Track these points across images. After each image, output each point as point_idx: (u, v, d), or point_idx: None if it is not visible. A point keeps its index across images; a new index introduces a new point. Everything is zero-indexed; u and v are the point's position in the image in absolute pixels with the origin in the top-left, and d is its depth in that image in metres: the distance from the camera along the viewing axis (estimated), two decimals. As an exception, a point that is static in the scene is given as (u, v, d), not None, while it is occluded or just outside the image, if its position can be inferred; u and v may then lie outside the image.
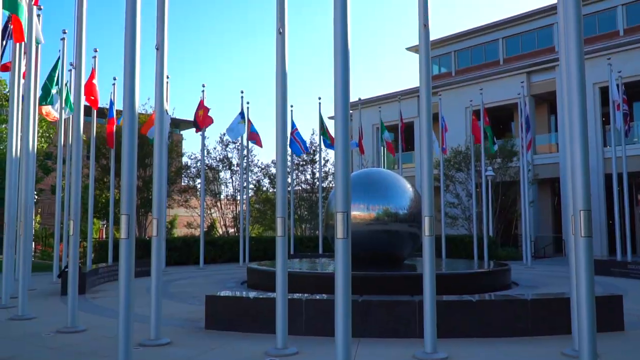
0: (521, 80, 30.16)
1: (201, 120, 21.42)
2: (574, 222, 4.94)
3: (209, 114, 21.49)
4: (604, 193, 28.63)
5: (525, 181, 23.20)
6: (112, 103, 19.27)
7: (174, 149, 34.02)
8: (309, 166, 35.98)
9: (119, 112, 19.30)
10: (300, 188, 36.04)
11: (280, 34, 6.77)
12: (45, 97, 14.86)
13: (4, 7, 10.91)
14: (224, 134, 34.50)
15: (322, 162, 29.75)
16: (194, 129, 23.23)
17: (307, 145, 31.23)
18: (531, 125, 23.04)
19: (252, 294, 9.26)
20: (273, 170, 34.72)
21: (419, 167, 26.68)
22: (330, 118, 33.94)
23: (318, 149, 28.45)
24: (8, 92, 11.94)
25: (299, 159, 34.78)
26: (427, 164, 6.93)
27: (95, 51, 16.75)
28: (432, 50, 27.48)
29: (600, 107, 29.19)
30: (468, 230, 29.80)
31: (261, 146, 24.51)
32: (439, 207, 24.48)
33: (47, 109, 15.14)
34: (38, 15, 12.63)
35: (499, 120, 35.61)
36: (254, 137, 24.02)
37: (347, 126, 5.68)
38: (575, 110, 4.92)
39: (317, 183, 30.14)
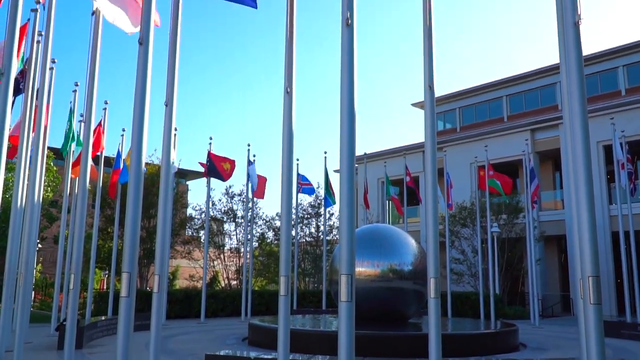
0: (525, 137, 30.38)
1: (226, 173, 21.61)
2: (582, 286, 4.84)
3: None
4: (611, 251, 28.30)
5: (531, 238, 23.01)
6: (119, 154, 19.45)
7: (179, 200, 34.08)
8: (313, 219, 35.87)
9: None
10: (304, 241, 35.82)
11: (288, 93, 6.87)
12: (65, 149, 15.14)
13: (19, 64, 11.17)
14: (230, 186, 34.64)
15: (327, 215, 29.67)
16: (200, 179, 23.35)
17: (312, 198, 31.33)
18: (537, 180, 23.00)
19: (253, 354, 9.04)
20: (278, 223, 34.62)
21: (424, 222, 26.62)
22: (335, 171, 34.07)
23: (323, 202, 28.44)
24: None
25: (304, 212, 34.74)
26: (433, 224, 6.88)
27: (106, 103, 17.05)
28: (437, 107, 27.93)
29: (605, 165, 29.26)
30: (474, 287, 29.34)
31: (262, 197, 24.45)
32: (444, 263, 24.22)
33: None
34: (51, 69, 12.91)
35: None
36: (259, 185, 23.89)
37: (353, 186, 5.68)
38: (581, 170, 4.91)
39: (322, 237, 29.97)
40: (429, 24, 6.90)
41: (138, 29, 7.92)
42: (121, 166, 19.38)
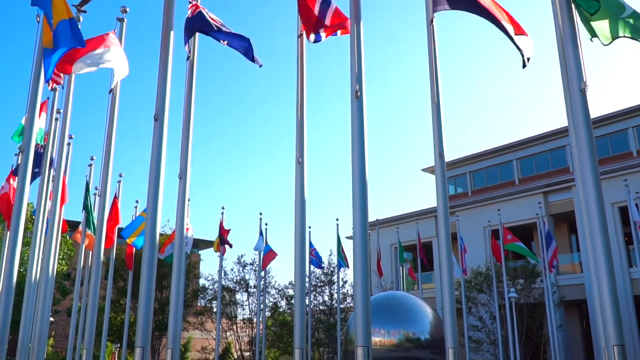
0: (538, 200, 30.25)
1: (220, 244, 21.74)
2: (607, 356, 4.68)
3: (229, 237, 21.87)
4: (634, 316, 27.44)
5: (550, 303, 22.44)
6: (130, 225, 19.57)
7: (192, 270, 33.90)
8: (326, 287, 35.35)
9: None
10: (318, 309, 35.17)
11: (300, 163, 6.98)
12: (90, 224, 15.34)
13: (37, 139, 11.49)
14: (242, 255, 34.50)
15: (340, 282, 29.27)
16: (212, 249, 23.39)
17: (325, 265, 30.98)
18: (554, 243, 22.69)
19: None
20: (290, 291, 34.18)
21: (439, 288, 26.08)
22: (348, 238, 33.92)
23: (336, 270, 28.12)
24: (33, 215, 12.30)
25: (317, 280, 34.31)
26: (449, 292, 6.77)
27: (120, 176, 17.36)
28: (447, 171, 28.05)
29: (622, 227, 28.86)
30: (494, 355, 28.37)
31: (265, 267, 24.39)
32: (462, 330, 23.57)
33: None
34: (68, 144, 13.27)
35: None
36: (270, 256, 23.89)
37: (367, 254, 5.65)
38: (597, 233, 4.86)
39: (336, 305, 29.44)
40: (437, 94, 7.07)
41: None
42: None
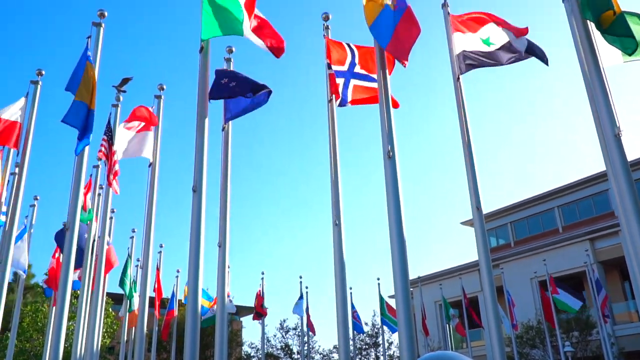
0: (585, 247, 29.28)
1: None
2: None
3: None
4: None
5: (610, 356, 21.27)
6: (173, 295, 19.70)
7: (234, 338, 33.59)
8: (372, 350, 34.43)
9: (179, 303, 19.59)
10: (364, 374, 34.16)
11: (337, 225, 6.99)
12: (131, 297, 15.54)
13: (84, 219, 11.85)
14: (284, 320, 34.10)
15: (386, 344, 28.46)
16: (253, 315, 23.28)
17: (369, 326, 30.31)
18: (604, 291, 21.73)
19: None
20: (335, 356, 33.38)
21: (489, 345, 25.11)
22: (390, 297, 33.27)
23: (380, 331, 27.45)
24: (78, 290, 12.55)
25: (362, 343, 33.48)
26: (499, 347, 6.53)
27: (161, 247, 17.64)
28: (487, 223, 27.49)
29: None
30: (554, 415, 26.81)
31: (314, 334, 24.15)
32: (517, 390, 22.46)
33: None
34: (111, 218, 13.63)
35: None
36: (310, 325, 23.79)
37: (410, 312, 5.54)
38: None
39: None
40: (469, 149, 7.09)
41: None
42: (176, 307, 19.53)
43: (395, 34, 6.36)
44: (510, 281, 27.74)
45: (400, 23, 6.42)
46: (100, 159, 12.06)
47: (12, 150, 10.26)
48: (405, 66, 6.20)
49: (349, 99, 8.06)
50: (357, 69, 8.27)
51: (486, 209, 7.45)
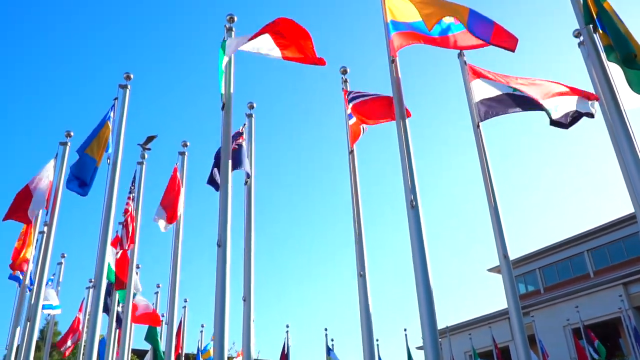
0: (618, 293, 28.40)
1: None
2: None
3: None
4: None
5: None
6: (199, 350, 19.48)
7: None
8: (402, 404, 33.34)
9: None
10: None
11: (361, 276, 6.94)
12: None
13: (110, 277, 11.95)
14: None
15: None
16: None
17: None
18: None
19: None
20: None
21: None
22: (418, 349, 32.43)
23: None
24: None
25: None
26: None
27: (186, 301, 17.59)
28: (515, 269, 26.97)
29: None
30: None
31: None
32: None
33: None
34: (136, 274, 13.69)
35: (604, 337, 32.63)
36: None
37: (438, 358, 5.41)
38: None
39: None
40: (493, 197, 7.05)
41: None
42: (201, 362, 19.27)
43: (497, 29, 6.34)
44: (542, 329, 26.89)
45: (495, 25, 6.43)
46: (125, 214, 12.26)
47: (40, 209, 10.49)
48: (514, 51, 6.14)
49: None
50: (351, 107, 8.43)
51: (513, 254, 7.33)
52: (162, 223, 10.09)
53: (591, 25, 6.37)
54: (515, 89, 7.83)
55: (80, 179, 8.19)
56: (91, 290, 12.67)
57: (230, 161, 6.82)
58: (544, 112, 7.44)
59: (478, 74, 8.16)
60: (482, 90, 8.07)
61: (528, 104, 7.76)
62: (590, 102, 7.35)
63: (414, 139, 6.56)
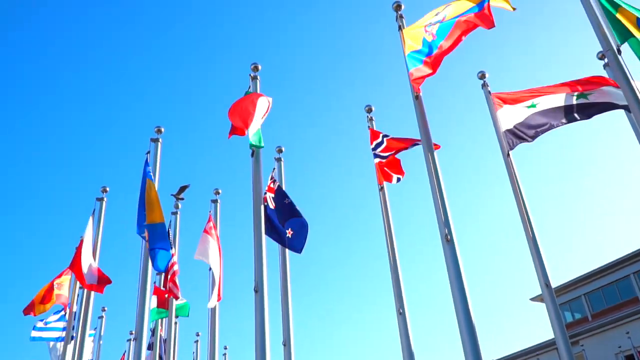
0: (672, 314, 27.19)
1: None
2: None
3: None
4: None
5: None
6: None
7: None
8: None
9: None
10: None
11: (401, 314, 6.86)
12: None
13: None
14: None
15: None
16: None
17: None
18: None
19: None
20: None
21: None
22: (465, 385, 31.39)
23: None
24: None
25: None
26: None
27: (226, 349, 17.53)
28: (559, 297, 26.11)
29: None
30: None
31: None
32: None
33: None
34: (175, 323, 13.74)
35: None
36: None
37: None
38: None
39: None
40: (530, 227, 6.94)
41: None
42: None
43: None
44: (593, 358, 25.86)
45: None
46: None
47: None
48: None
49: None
50: (378, 151, 8.43)
51: (556, 281, 7.15)
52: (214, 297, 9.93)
53: (615, 47, 6.35)
54: (535, 104, 7.86)
55: (163, 248, 8.31)
56: (132, 342, 12.75)
57: (262, 207, 6.89)
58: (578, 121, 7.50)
59: (504, 100, 8.15)
60: (510, 118, 8.03)
61: (555, 118, 7.74)
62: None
63: (444, 171, 6.55)
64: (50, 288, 11.56)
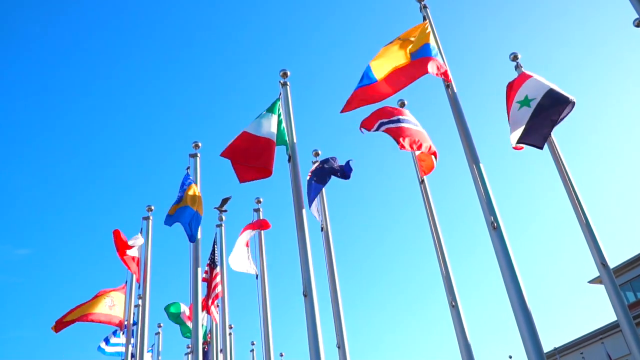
0: None
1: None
2: None
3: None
4: None
5: None
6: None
7: None
8: None
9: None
10: None
11: (454, 307, 6.73)
12: None
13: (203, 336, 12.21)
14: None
15: None
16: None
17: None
18: None
19: None
20: None
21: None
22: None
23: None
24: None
25: None
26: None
27: (281, 355, 17.62)
28: (618, 278, 25.20)
29: None
30: None
31: None
32: None
33: None
34: (230, 334, 13.91)
35: None
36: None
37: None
38: None
39: None
40: (582, 213, 6.73)
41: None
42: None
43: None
44: (661, 338, 24.80)
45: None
46: (204, 281, 12.56)
47: (134, 283, 10.99)
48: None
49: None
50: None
51: (614, 261, 6.88)
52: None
53: None
54: (525, 99, 7.49)
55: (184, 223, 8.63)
56: (189, 356, 12.95)
57: (304, 210, 6.90)
58: None
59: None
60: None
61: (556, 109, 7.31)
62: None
63: (486, 159, 6.40)
64: (86, 309, 11.57)
